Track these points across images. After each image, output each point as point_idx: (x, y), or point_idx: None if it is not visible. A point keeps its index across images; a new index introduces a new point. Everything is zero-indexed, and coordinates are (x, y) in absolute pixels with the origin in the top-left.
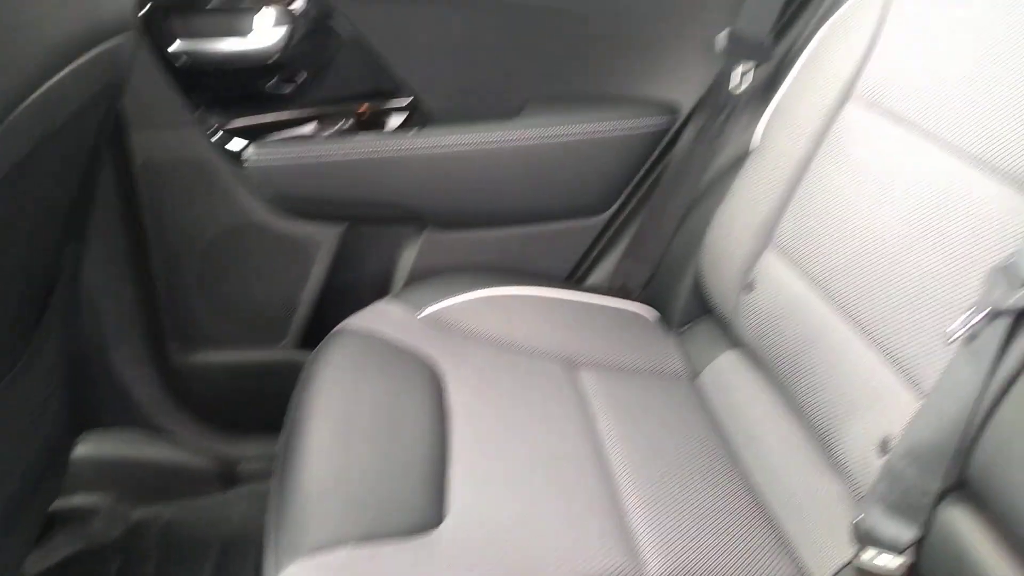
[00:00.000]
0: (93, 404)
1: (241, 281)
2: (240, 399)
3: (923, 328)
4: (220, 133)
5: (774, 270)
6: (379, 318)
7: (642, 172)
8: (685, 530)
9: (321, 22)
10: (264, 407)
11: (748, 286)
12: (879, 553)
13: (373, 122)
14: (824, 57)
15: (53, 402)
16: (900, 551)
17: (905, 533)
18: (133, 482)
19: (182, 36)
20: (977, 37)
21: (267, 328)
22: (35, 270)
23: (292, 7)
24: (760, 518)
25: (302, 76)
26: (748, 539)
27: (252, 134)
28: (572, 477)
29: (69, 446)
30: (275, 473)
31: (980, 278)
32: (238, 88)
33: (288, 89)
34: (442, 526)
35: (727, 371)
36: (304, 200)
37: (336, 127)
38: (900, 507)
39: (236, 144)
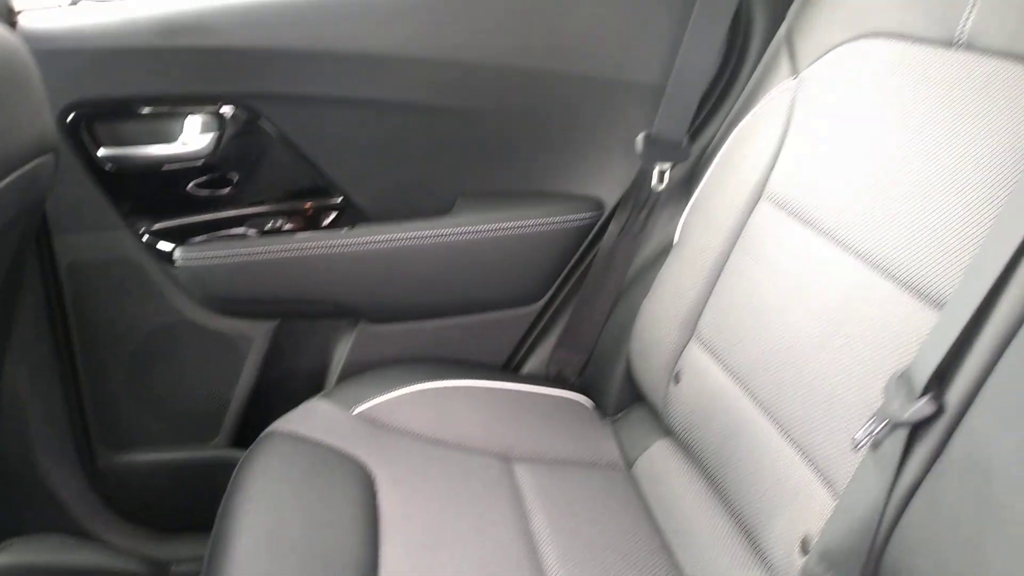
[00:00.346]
0: (17, 509)
1: (171, 379)
2: (172, 499)
3: (836, 429)
4: (149, 235)
5: (698, 362)
6: (310, 418)
7: (572, 263)
8: None
9: (250, 125)
10: (197, 506)
11: (675, 377)
12: None
13: (307, 220)
14: (736, 158)
15: None
16: None
17: None
18: None
19: (109, 143)
20: (871, 149)
21: (198, 426)
22: None
23: (221, 112)
24: None
25: (232, 177)
26: None
27: (182, 235)
28: None
29: None
30: None
31: (884, 383)
32: (168, 191)
33: (218, 191)
34: None
35: (659, 460)
36: (236, 299)
37: (267, 226)
38: None
39: (166, 245)
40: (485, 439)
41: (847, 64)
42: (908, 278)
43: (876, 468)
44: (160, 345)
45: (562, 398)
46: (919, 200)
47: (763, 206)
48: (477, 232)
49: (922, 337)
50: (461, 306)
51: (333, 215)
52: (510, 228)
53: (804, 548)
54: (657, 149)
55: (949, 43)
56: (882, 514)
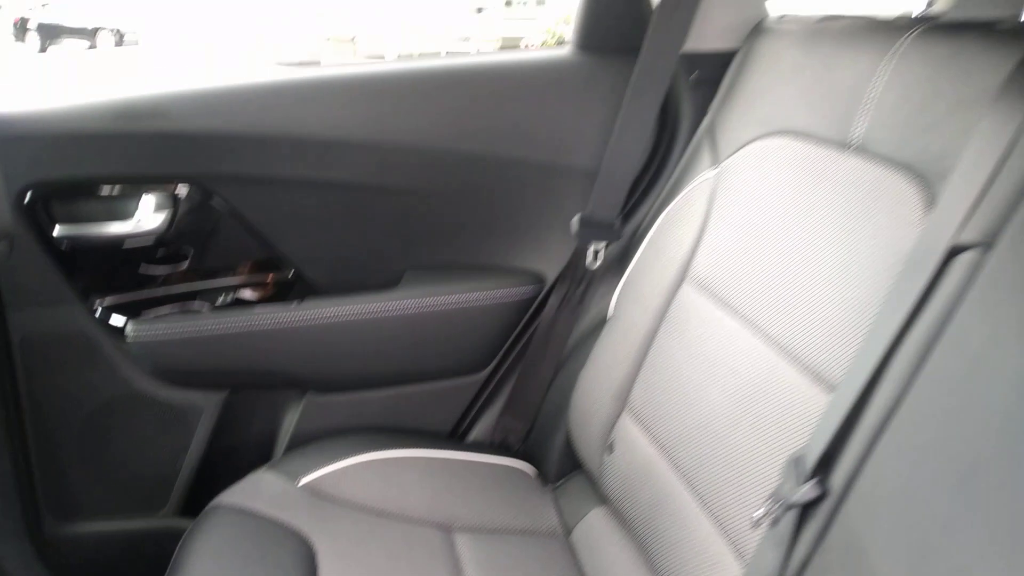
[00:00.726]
0: None
1: (121, 450)
2: (119, 569)
3: (746, 505)
4: (102, 310)
5: (630, 433)
6: (255, 490)
7: (515, 334)
8: None
9: (203, 203)
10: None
11: (609, 447)
12: None
13: (257, 293)
14: (663, 241)
15: None
16: None
17: None
18: None
19: (66, 220)
20: (779, 239)
21: (147, 496)
22: None
23: (176, 192)
24: None
25: (185, 252)
26: None
27: (135, 308)
28: None
29: None
30: None
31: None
32: (122, 267)
33: (171, 266)
34: None
35: (596, 528)
36: (186, 371)
37: (219, 300)
38: None
39: (118, 319)
40: (427, 509)
41: (760, 158)
42: (809, 363)
43: (773, 545)
44: (110, 416)
45: (505, 466)
46: (817, 290)
47: (686, 288)
48: (425, 305)
49: (818, 420)
50: (408, 376)
51: (284, 289)
52: (456, 301)
53: None
54: (591, 229)
55: (844, 146)
56: None
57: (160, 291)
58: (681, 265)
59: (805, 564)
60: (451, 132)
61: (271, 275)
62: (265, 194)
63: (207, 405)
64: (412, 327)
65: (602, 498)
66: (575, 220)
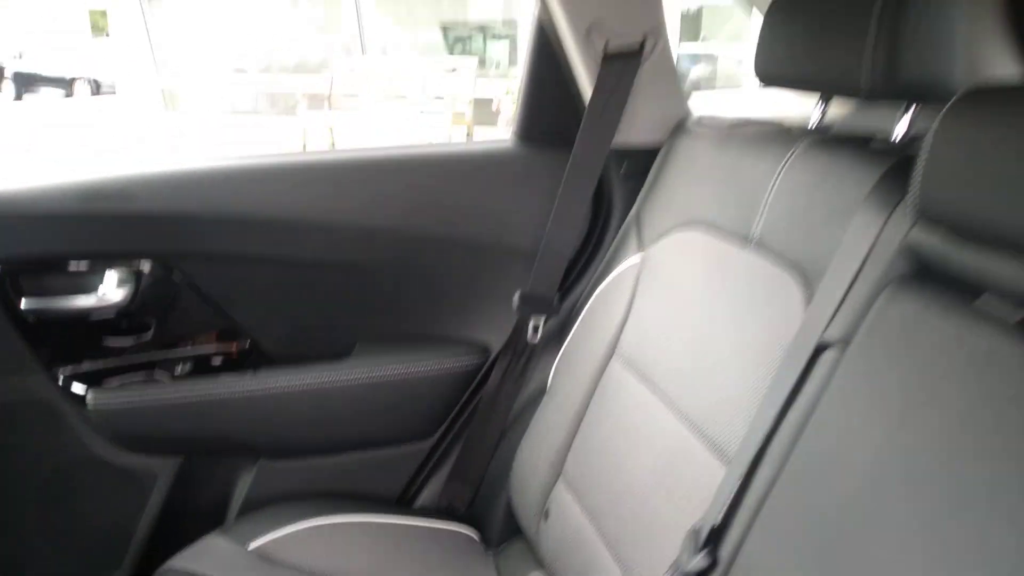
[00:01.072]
0: None
1: (76, 513)
2: None
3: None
4: (64, 378)
5: (563, 501)
6: (205, 555)
7: (461, 402)
8: None
9: (164, 278)
10: None
11: (545, 513)
12: None
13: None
14: (595, 318)
15: None
16: None
17: None
18: None
19: (32, 294)
20: (691, 323)
21: (100, 559)
22: None
23: (139, 268)
24: None
25: (147, 323)
26: None
27: (97, 378)
28: None
29: None
30: None
31: None
32: (85, 338)
33: (134, 338)
34: None
35: None
36: (144, 437)
37: (178, 369)
38: None
39: (79, 387)
40: (372, 574)
41: (678, 247)
42: (713, 439)
43: None
44: (67, 480)
45: (450, 531)
46: (719, 372)
47: (615, 363)
48: (375, 375)
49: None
50: (359, 442)
51: (240, 358)
52: (406, 371)
53: None
54: (531, 304)
55: (746, 240)
56: None
57: (121, 361)
58: (611, 341)
59: None
60: (401, 214)
61: (225, 346)
62: (223, 269)
63: (163, 470)
64: (363, 396)
65: (539, 562)
66: (516, 296)
